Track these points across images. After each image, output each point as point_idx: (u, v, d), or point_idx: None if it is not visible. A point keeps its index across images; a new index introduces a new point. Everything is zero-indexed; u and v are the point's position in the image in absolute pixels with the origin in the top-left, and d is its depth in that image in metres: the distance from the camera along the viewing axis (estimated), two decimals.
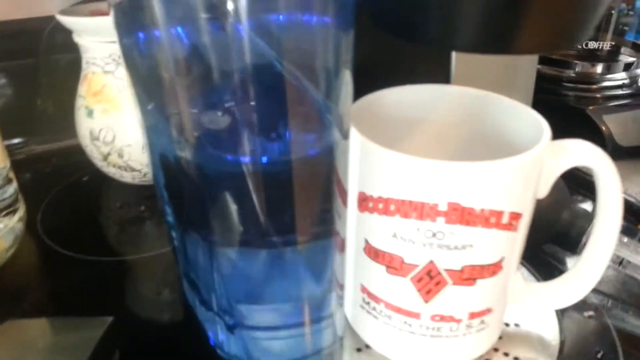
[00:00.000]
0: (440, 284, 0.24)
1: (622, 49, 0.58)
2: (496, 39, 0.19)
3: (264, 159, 0.21)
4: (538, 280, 0.34)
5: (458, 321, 0.25)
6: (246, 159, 0.21)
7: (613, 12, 0.54)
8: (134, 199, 0.45)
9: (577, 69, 0.56)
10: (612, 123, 0.50)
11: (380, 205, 0.23)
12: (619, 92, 0.55)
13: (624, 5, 0.54)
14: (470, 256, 0.23)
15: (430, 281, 0.24)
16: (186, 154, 0.22)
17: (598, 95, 0.55)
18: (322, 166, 0.21)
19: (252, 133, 0.21)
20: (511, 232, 0.23)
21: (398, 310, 0.25)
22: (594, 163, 0.24)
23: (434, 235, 0.22)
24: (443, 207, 0.22)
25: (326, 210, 0.22)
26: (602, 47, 0.54)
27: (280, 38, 0.19)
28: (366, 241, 0.24)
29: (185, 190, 0.23)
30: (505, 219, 0.22)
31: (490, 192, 0.21)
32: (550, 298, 0.28)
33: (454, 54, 0.30)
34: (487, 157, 0.21)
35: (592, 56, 0.55)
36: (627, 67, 0.55)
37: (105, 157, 0.42)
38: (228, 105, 0.21)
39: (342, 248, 0.24)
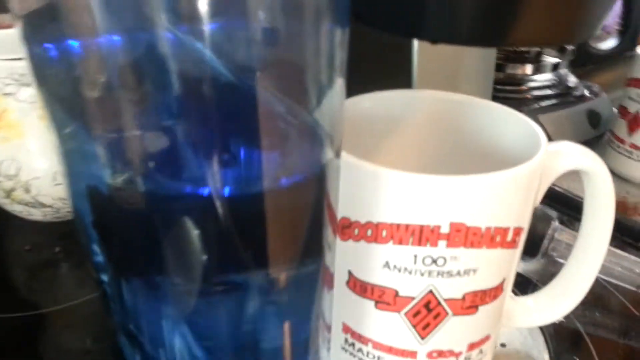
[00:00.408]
0: (439, 316, 0.20)
1: (546, 51, 0.59)
2: (493, 31, 0.16)
3: (222, 185, 0.17)
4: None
5: (457, 355, 0.22)
6: (197, 185, 0.17)
7: None
8: (46, 240, 0.39)
9: (506, 71, 0.56)
10: (548, 123, 0.51)
11: (369, 232, 0.19)
12: (548, 92, 0.55)
13: None
14: (473, 282, 0.20)
15: (427, 314, 0.20)
16: (122, 182, 0.17)
17: (528, 96, 0.55)
18: (307, 189, 0.17)
19: (200, 154, 0.17)
20: (514, 249, 0.20)
21: (389, 350, 0.22)
22: (588, 166, 0.22)
23: (434, 261, 0.19)
24: (445, 229, 0.18)
25: (313, 242, 0.18)
26: (530, 48, 0.54)
27: (246, 41, 0.15)
28: (350, 274, 0.21)
29: (122, 225, 0.18)
30: (510, 236, 0.20)
31: (496, 208, 0.19)
32: (539, 313, 0.26)
33: (415, 52, 0.28)
34: (475, 169, 0.18)
35: (521, 58, 0.55)
36: (555, 67, 0.56)
37: (9, 194, 0.36)
38: (169, 123, 0.16)
39: (332, 284, 0.20)
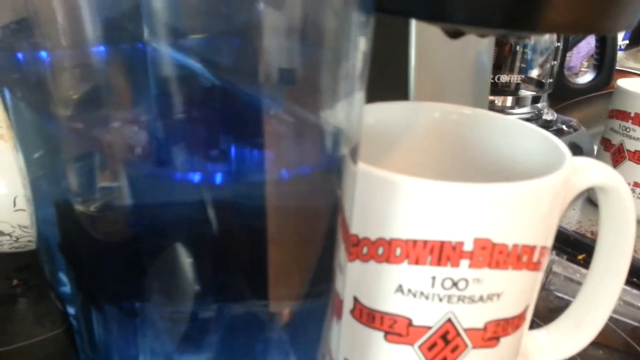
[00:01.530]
0: (458, 349, 0.18)
1: (523, 85, 0.59)
2: (522, 14, 0.15)
3: (211, 197, 0.15)
4: None
5: None
6: (182, 198, 0.14)
7: (518, 48, 0.54)
8: (1, 272, 0.36)
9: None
10: None
11: (380, 250, 0.17)
12: None
13: (527, 40, 0.54)
14: (496, 309, 0.18)
15: (445, 347, 0.18)
16: (96, 207, 0.15)
17: None
18: (315, 198, 0.15)
19: (184, 169, 0.14)
20: (538, 272, 0.18)
21: None
22: (609, 182, 0.20)
23: (455, 284, 0.17)
24: (469, 246, 0.16)
25: (323, 263, 0.16)
26: (511, 80, 0.54)
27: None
28: (355, 300, 0.18)
29: (95, 247, 0.16)
30: (536, 257, 0.18)
31: (524, 222, 0.17)
32: (552, 348, 0.24)
33: (412, 62, 0.26)
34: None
35: (501, 90, 0.55)
36: (534, 100, 0.56)
37: None
38: (147, 145, 0.14)
39: (341, 314, 0.18)
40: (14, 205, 0.33)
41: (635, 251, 0.42)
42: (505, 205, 0.16)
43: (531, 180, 0.16)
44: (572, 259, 0.38)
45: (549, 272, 0.35)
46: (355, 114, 0.15)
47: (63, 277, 0.17)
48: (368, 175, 0.16)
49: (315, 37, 0.14)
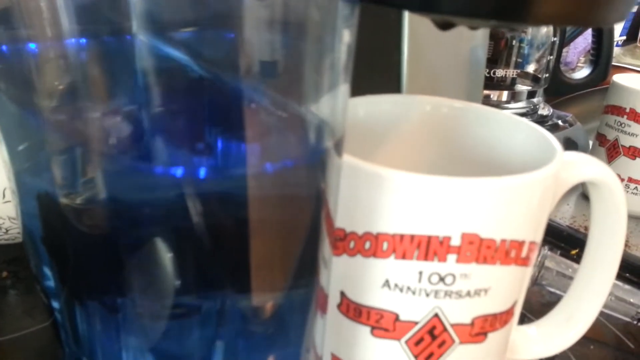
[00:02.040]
0: (445, 344, 0.18)
1: (519, 80, 0.58)
2: (512, 5, 0.14)
3: (195, 187, 0.14)
4: None
5: None
6: (165, 191, 0.14)
7: (514, 42, 0.54)
8: None
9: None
10: None
11: (367, 245, 0.17)
12: None
13: (523, 35, 0.54)
14: (483, 304, 0.17)
15: (432, 342, 0.18)
16: (80, 199, 0.15)
17: None
18: (299, 189, 0.15)
19: (169, 161, 0.14)
20: (526, 268, 0.18)
21: None
22: (600, 177, 0.20)
23: (442, 279, 0.17)
24: (456, 241, 0.16)
25: (307, 257, 0.15)
26: (507, 75, 0.54)
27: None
28: (342, 295, 0.18)
29: (78, 241, 0.15)
30: (524, 252, 0.17)
31: (512, 217, 0.16)
32: (543, 343, 0.23)
33: (404, 55, 0.26)
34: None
35: (497, 84, 0.55)
36: (530, 95, 0.55)
37: None
38: (134, 114, 0.14)
39: (325, 308, 0.17)
40: (3, 196, 0.33)
41: (628, 246, 0.42)
42: (493, 200, 0.16)
43: (520, 174, 0.16)
44: (566, 254, 0.38)
45: (541, 267, 0.35)
46: (339, 106, 0.15)
47: (47, 270, 0.17)
48: (355, 169, 0.16)
49: (298, 30, 0.13)
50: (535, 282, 0.36)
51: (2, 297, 0.33)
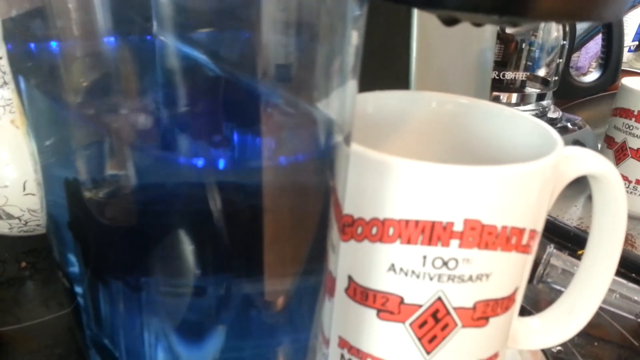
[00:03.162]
0: (447, 327, 0.19)
1: (528, 83, 0.59)
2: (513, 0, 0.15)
3: (213, 178, 0.15)
4: None
5: None
6: (187, 180, 0.15)
7: (524, 45, 0.55)
8: (11, 255, 0.36)
9: (491, 98, 0.56)
10: None
11: (374, 230, 0.18)
12: None
13: (533, 38, 0.55)
14: (485, 289, 0.18)
15: (435, 325, 0.19)
16: (104, 192, 0.16)
17: None
18: (309, 179, 0.16)
19: (191, 137, 0.15)
20: (528, 255, 0.19)
21: None
22: (600, 170, 0.21)
23: (445, 264, 0.17)
24: (459, 227, 0.17)
25: (317, 242, 0.16)
26: (517, 77, 0.54)
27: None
28: (350, 279, 0.19)
29: (103, 225, 0.16)
30: (525, 239, 0.18)
31: (513, 204, 0.17)
32: (544, 334, 0.24)
33: (413, 54, 0.27)
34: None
35: (507, 87, 0.55)
36: (539, 98, 0.56)
37: None
38: (156, 109, 0.15)
39: (333, 292, 0.18)
40: (24, 189, 0.34)
41: (634, 247, 0.42)
42: (494, 188, 0.17)
43: (521, 163, 0.17)
44: (572, 254, 0.39)
45: (546, 264, 0.36)
46: (348, 103, 0.16)
47: (72, 257, 0.18)
48: (363, 157, 0.17)
49: (310, 32, 0.14)
50: (541, 279, 0.36)
51: (20, 287, 0.34)
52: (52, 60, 0.15)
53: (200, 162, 0.15)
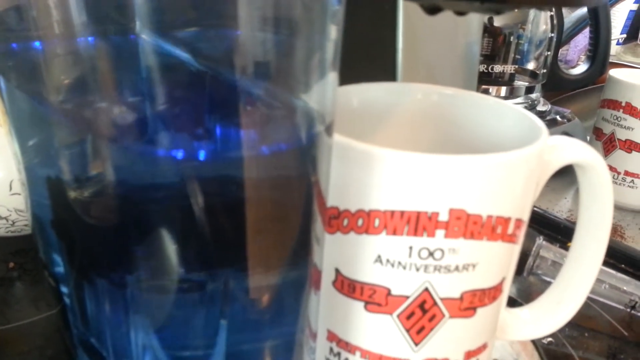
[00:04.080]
0: (435, 318, 0.19)
1: (517, 76, 0.59)
2: None
3: (199, 157, 0.15)
4: None
5: None
6: (169, 176, 0.15)
7: (512, 39, 0.55)
8: None
9: (480, 91, 0.56)
10: None
11: (360, 222, 0.18)
12: None
13: (522, 31, 0.55)
14: (472, 279, 0.18)
15: (422, 316, 0.18)
16: (89, 192, 0.15)
17: None
18: (291, 170, 0.16)
19: (171, 129, 0.15)
20: (514, 244, 0.19)
21: (379, 359, 0.19)
22: (586, 159, 0.21)
23: (431, 254, 0.17)
24: (444, 217, 0.17)
25: (301, 235, 0.16)
26: (505, 70, 0.54)
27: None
28: (337, 272, 0.19)
29: (87, 223, 0.16)
30: (511, 229, 0.18)
31: (498, 193, 0.17)
32: (533, 325, 0.24)
33: (400, 42, 0.27)
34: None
35: (495, 80, 0.55)
36: (528, 91, 0.56)
37: None
38: (139, 104, 0.15)
39: (319, 285, 0.18)
40: (10, 189, 0.33)
41: (624, 238, 0.43)
42: (478, 177, 0.16)
43: (505, 152, 0.17)
44: (562, 246, 0.39)
45: (536, 256, 0.36)
46: (329, 94, 0.16)
47: (57, 257, 0.18)
48: (347, 148, 0.17)
49: (289, 27, 0.14)
50: (531, 271, 0.36)
51: (9, 287, 0.34)
52: (33, 59, 0.14)
53: (180, 154, 0.14)
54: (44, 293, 0.33)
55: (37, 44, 0.14)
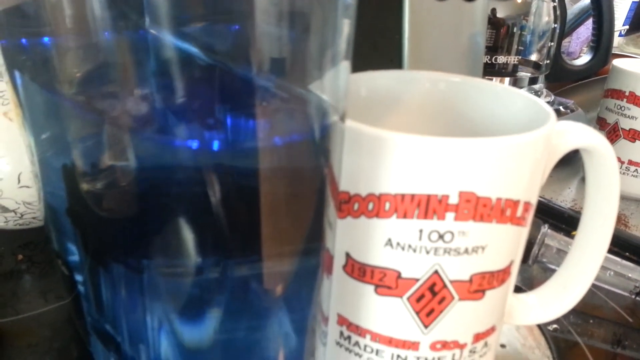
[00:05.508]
0: (445, 300, 0.19)
1: (520, 67, 0.59)
2: None
3: (212, 147, 0.15)
4: None
5: (462, 346, 0.20)
6: (184, 163, 0.15)
7: (515, 29, 0.55)
8: (7, 248, 0.36)
9: None
10: None
11: (371, 206, 0.18)
12: None
13: (525, 22, 0.55)
14: (481, 261, 0.18)
15: (432, 299, 0.19)
16: (102, 183, 0.16)
17: None
18: (305, 158, 0.16)
19: (184, 119, 0.15)
20: (523, 227, 0.19)
21: (389, 341, 0.20)
22: (593, 144, 0.21)
23: (441, 237, 0.18)
24: (454, 199, 0.17)
25: (315, 220, 0.16)
26: (509, 61, 0.54)
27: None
28: (347, 256, 0.19)
29: (101, 210, 0.16)
30: (519, 212, 0.18)
31: (507, 176, 0.17)
32: (540, 309, 0.24)
33: (406, 32, 0.27)
34: None
35: (499, 71, 0.56)
36: (531, 82, 0.56)
37: None
38: (151, 97, 0.15)
39: (331, 269, 0.18)
40: (19, 182, 0.34)
41: (628, 227, 0.43)
42: (488, 160, 0.17)
43: (513, 135, 0.17)
44: (567, 235, 0.39)
45: (541, 244, 0.36)
46: (341, 85, 0.16)
47: (71, 245, 0.18)
48: (358, 133, 0.17)
49: (302, 21, 0.14)
50: (536, 259, 0.37)
51: (18, 279, 0.34)
52: (46, 53, 0.15)
53: (194, 144, 0.15)
54: (53, 285, 0.34)
55: (50, 38, 0.14)
